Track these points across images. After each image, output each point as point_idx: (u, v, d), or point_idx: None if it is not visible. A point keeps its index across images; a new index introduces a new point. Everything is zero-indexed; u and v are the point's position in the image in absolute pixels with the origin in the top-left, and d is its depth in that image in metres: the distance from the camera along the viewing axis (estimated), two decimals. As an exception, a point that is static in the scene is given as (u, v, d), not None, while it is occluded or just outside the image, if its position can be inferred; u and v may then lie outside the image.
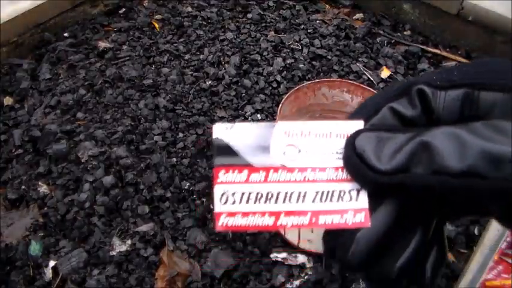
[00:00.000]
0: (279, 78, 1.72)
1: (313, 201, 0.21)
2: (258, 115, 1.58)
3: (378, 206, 0.21)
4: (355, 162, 0.20)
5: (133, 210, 1.33)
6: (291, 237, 1.21)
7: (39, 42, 1.87)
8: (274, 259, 1.23)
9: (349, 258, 0.21)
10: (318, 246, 1.18)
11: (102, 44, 1.88)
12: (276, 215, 0.21)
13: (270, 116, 1.59)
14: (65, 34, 1.92)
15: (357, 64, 1.80)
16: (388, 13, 2.09)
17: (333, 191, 0.21)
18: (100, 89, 1.68)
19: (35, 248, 1.25)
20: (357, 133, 0.21)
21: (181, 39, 1.93)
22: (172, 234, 1.28)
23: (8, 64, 1.77)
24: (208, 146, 1.50)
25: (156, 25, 2.00)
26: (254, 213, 0.21)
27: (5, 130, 1.55)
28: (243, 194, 0.21)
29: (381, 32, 2.00)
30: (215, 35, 1.94)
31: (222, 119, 1.59)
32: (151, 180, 1.39)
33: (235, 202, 0.21)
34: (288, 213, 0.21)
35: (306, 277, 1.21)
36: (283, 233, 1.23)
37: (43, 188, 1.40)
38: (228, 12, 2.07)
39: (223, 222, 0.22)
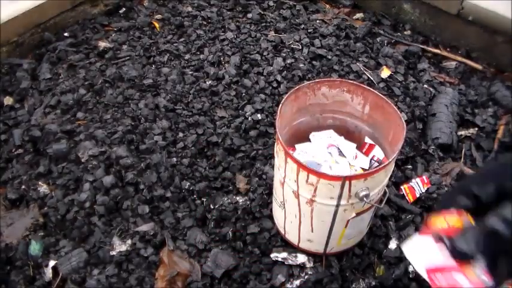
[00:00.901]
0: (279, 78, 1.72)
1: None
2: (258, 115, 1.58)
3: None
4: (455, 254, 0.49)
5: (134, 210, 1.33)
6: (291, 237, 1.21)
7: (39, 42, 1.87)
8: (274, 259, 1.23)
9: None
10: (317, 247, 1.18)
11: (102, 44, 1.88)
12: None
13: (270, 115, 1.59)
14: (65, 34, 1.92)
15: (357, 64, 1.80)
16: (388, 13, 2.09)
17: None
18: (100, 88, 1.68)
19: (35, 247, 1.25)
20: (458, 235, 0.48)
21: (182, 39, 1.93)
22: (172, 234, 1.28)
23: (8, 64, 1.77)
24: (208, 146, 1.50)
25: (156, 25, 2.00)
26: None
27: (5, 130, 1.55)
28: None
29: (381, 31, 2.00)
30: (215, 34, 1.94)
31: (222, 118, 1.59)
32: (151, 180, 1.39)
33: None
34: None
35: (306, 277, 1.21)
36: (283, 232, 1.23)
37: (43, 188, 1.40)
38: (228, 12, 2.07)
39: None
